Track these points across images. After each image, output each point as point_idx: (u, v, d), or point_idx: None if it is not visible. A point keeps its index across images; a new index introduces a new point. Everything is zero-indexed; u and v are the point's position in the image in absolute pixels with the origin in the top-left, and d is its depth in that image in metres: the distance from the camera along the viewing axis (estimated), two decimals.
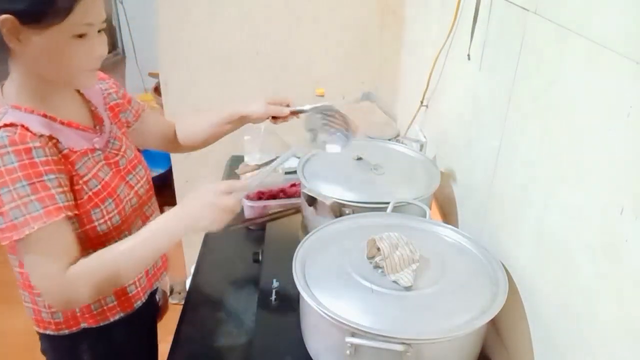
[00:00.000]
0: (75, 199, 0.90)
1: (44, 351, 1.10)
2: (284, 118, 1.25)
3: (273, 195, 1.49)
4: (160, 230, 0.92)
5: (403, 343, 0.75)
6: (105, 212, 0.95)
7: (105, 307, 1.03)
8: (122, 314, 1.05)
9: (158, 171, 2.92)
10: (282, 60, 1.94)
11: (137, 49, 3.29)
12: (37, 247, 0.84)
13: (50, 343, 1.07)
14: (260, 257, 1.21)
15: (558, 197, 0.80)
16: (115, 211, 0.97)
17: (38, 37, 0.82)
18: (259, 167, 1.55)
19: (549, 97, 0.82)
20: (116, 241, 0.93)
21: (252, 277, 1.25)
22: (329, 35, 1.92)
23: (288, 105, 1.25)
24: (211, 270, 1.33)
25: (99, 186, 0.95)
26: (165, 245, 0.93)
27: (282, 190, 1.51)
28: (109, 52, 3.30)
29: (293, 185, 1.52)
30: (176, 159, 2.12)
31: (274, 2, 1.86)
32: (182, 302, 1.24)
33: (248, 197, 1.46)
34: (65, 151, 0.91)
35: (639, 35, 0.60)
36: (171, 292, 2.49)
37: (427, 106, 1.55)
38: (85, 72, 0.90)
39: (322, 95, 1.99)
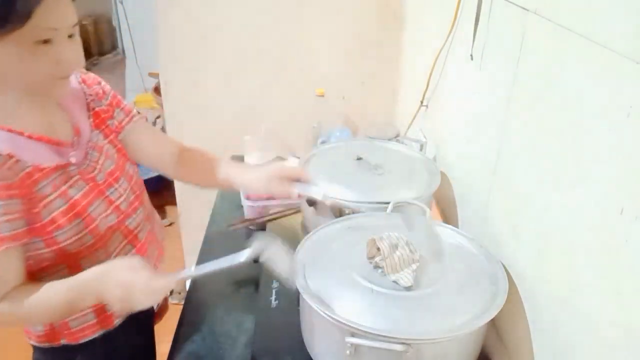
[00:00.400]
0: (35, 222, 0.86)
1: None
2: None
3: (273, 195, 1.49)
4: (80, 298, 0.88)
5: (403, 343, 0.75)
6: (72, 233, 0.90)
7: (85, 325, 1.00)
8: (103, 331, 1.03)
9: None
10: (282, 60, 1.95)
11: (137, 49, 3.30)
12: None
13: (37, 353, 1.05)
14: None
15: (558, 197, 0.80)
16: (86, 231, 0.92)
17: (0, 44, 0.77)
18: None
19: (549, 97, 0.82)
20: (89, 262, 0.91)
21: (252, 277, 1.25)
22: (329, 35, 1.92)
23: (299, 180, 1.06)
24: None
25: (66, 206, 0.89)
26: (77, 306, 0.90)
27: None
28: (109, 52, 3.36)
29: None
30: None
31: (274, 2, 1.86)
32: (182, 302, 1.23)
33: (248, 197, 1.46)
34: (29, 169, 0.85)
35: (639, 35, 0.60)
36: (171, 292, 2.49)
37: (427, 106, 1.55)
38: (54, 80, 0.85)
39: (322, 95, 1.99)
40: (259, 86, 1.98)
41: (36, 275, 0.92)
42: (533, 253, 0.88)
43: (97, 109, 1.02)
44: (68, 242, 0.90)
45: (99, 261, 0.91)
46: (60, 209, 0.89)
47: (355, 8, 1.88)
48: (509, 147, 0.98)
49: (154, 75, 3.11)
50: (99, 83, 1.06)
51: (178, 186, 2.17)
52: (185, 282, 2.27)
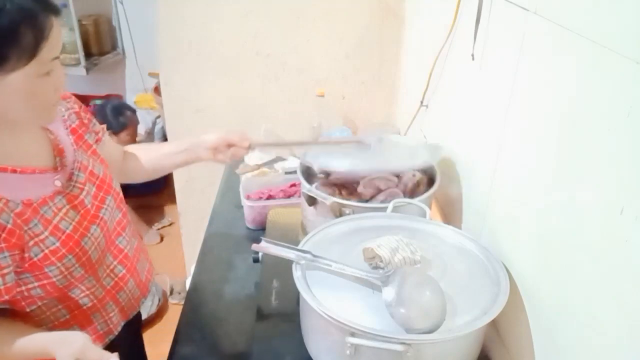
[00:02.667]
0: (24, 260, 0.84)
1: None
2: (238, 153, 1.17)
3: (273, 195, 1.49)
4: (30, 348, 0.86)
5: (403, 343, 0.75)
6: (63, 269, 0.88)
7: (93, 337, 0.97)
8: (108, 338, 1.02)
9: None
10: (282, 60, 1.95)
11: (137, 49, 3.29)
12: None
13: None
14: (260, 257, 1.21)
15: (558, 197, 0.79)
16: (77, 265, 0.90)
17: (1, 81, 0.75)
18: (258, 167, 1.55)
19: (549, 97, 0.82)
20: (79, 290, 0.92)
21: (252, 277, 1.25)
22: (329, 35, 1.92)
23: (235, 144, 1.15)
24: (211, 270, 1.33)
25: (58, 244, 0.87)
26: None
27: (282, 190, 1.51)
28: (109, 52, 3.36)
29: (293, 185, 1.53)
30: None
31: (274, 2, 1.86)
32: (182, 302, 1.23)
33: (248, 197, 1.46)
34: (19, 208, 0.83)
35: (639, 35, 0.60)
36: (171, 292, 2.49)
37: (427, 106, 1.55)
38: (50, 107, 0.85)
39: (322, 95, 1.99)
40: (259, 86, 1.98)
41: (24, 310, 0.90)
42: (533, 253, 0.88)
43: (73, 125, 1.00)
44: (59, 277, 0.89)
45: (88, 288, 0.93)
46: (52, 247, 0.86)
47: (355, 8, 1.88)
48: (509, 147, 0.98)
49: (154, 75, 3.11)
50: (70, 98, 1.02)
51: (178, 186, 2.17)
52: (185, 282, 2.28)
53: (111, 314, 1.02)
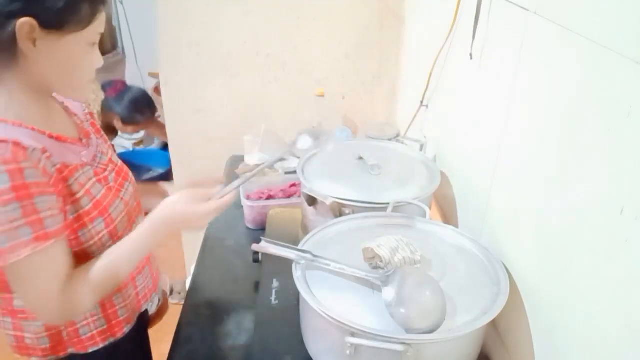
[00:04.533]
0: (64, 219, 0.87)
1: None
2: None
3: (273, 196, 1.49)
4: (149, 236, 0.94)
5: (403, 343, 0.75)
6: (94, 232, 0.92)
7: (94, 332, 1.00)
8: (111, 339, 1.03)
9: (158, 171, 2.93)
10: (282, 60, 1.95)
11: (137, 49, 3.30)
12: (28, 272, 0.82)
13: None
14: (260, 257, 1.21)
15: (558, 197, 0.80)
16: (106, 231, 0.94)
17: (56, 42, 0.81)
18: (258, 167, 1.55)
19: (549, 97, 0.82)
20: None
21: (252, 277, 1.25)
22: (329, 35, 1.92)
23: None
24: (211, 270, 1.33)
25: (90, 205, 0.91)
26: (151, 248, 0.97)
27: (282, 190, 1.51)
28: (109, 52, 3.36)
29: (293, 185, 1.53)
30: (176, 159, 2.12)
31: (274, 2, 1.86)
32: (182, 302, 1.23)
33: (248, 197, 1.46)
34: (59, 166, 0.87)
35: (639, 35, 0.60)
36: (171, 292, 2.49)
37: (427, 106, 1.55)
38: (86, 83, 0.90)
39: (322, 95, 2.00)
40: (259, 86, 1.98)
41: None
42: (533, 253, 0.88)
43: (91, 120, 1.07)
44: (90, 242, 0.92)
45: None
46: (87, 207, 0.91)
47: (355, 8, 1.88)
48: (509, 146, 0.98)
49: (154, 75, 3.11)
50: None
51: (178, 186, 2.17)
52: (185, 282, 2.28)
53: (127, 301, 1.04)
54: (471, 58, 1.14)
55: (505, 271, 0.90)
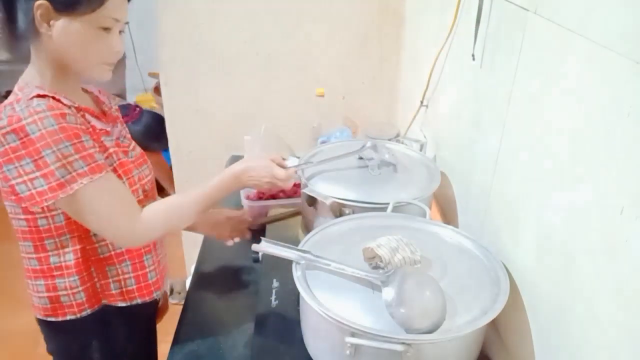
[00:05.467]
0: None
1: (52, 350, 1.11)
2: None
3: (273, 195, 1.49)
4: (217, 186, 1.03)
5: (403, 343, 0.75)
6: None
7: (125, 289, 1.07)
8: (139, 300, 1.09)
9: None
10: (282, 60, 1.95)
11: (137, 49, 3.29)
12: (94, 199, 0.90)
13: (61, 332, 1.07)
14: (260, 257, 1.21)
15: (558, 197, 0.80)
16: (130, 190, 1.00)
17: (67, 24, 0.87)
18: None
19: (549, 97, 0.82)
20: None
21: (252, 277, 1.25)
22: (329, 35, 1.92)
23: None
24: (211, 270, 1.33)
25: (117, 162, 0.98)
26: (218, 198, 1.05)
27: (282, 190, 1.51)
28: None
29: (293, 185, 1.52)
30: (176, 159, 2.12)
31: (274, 2, 1.86)
32: (182, 302, 1.23)
33: (248, 197, 1.46)
34: (88, 127, 0.95)
35: (638, 35, 0.60)
36: (171, 292, 2.49)
37: (427, 106, 1.55)
38: (103, 65, 0.95)
39: (322, 95, 1.99)
40: (259, 86, 1.98)
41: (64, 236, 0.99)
42: (533, 253, 0.88)
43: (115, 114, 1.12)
44: None
45: None
46: (112, 165, 0.97)
47: (355, 8, 1.88)
48: (509, 146, 0.98)
49: (154, 75, 3.11)
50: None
51: (178, 186, 2.17)
52: (185, 282, 2.28)
53: (155, 265, 1.10)
54: (474, 59, 1.14)
55: (505, 271, 0.90)
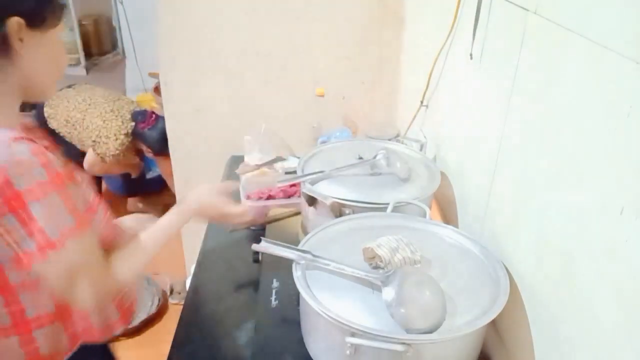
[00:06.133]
0: None
1: None
2: None
3: (273, 196, 1.49)
4: (173, 225, 1.04)
5: (403, 343, 0.75)
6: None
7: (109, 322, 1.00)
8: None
9: (157, 171, 2.92)
10: (282, 60, 1.94)
11: (137, 49, 3.30)
12: (76, 256, 0.83)
13: None
14: (260, 257, 1.21)
15: (558, 197, 0.80)
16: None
17: (39, 39, 0.84)
18: (258, 167, 1.55)
19: (549, 97, 0.82)
20: None
21: (252, 277, 1.25)
22: (329, 35, 1.92)
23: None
24: (211, 270, 1.33)
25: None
26: (176, 231, 1.06)
27: (282, 190, 1.51)
28: (109, 52, 3.36)
29: (293, 185, 1.52)
30: (176, 159, 2.12)
31: (274, 2, 1.86)
32: (182, 302, 1.23)
33: (248, 197, 1.46)
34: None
35: (638, 35, 0.60)
36: (171, 292, 2.49)
37: (427, 106, 1.55)
38: (55, 80, 0.92)
39: (322, 95, 1.99)
40: (259, 86, 1.98)
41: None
42: (533, 253, 0.88)
43: None
44: None
45: None
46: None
47: (355, 8, 1.88)
48: (509, 146, 0.98)
49: (154, 75, 3.10)
50: None
51: (178, 186, 2.17)
52: (185, 282, 2.28)
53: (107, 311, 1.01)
54: (471, 58, 1.14)
55: (505, 271, 0.90)
